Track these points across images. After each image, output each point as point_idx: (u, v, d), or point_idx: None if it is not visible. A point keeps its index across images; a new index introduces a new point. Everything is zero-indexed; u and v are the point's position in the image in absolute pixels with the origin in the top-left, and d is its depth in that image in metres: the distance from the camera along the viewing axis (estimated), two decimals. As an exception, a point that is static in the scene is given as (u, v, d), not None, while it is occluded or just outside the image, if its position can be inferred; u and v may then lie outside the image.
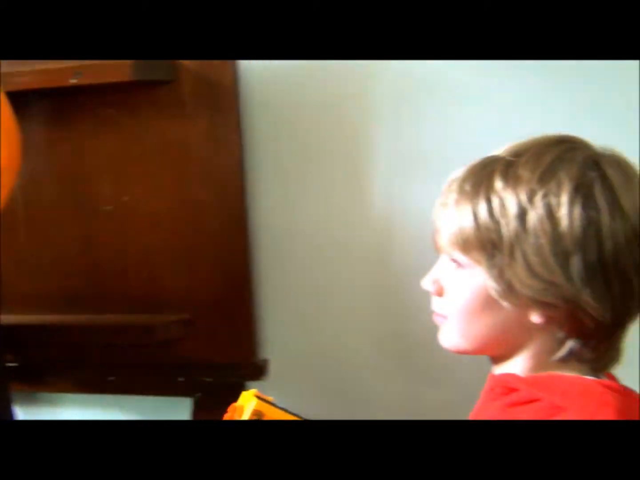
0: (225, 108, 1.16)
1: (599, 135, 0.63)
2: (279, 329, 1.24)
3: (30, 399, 1.36)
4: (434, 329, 0.70)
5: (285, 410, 0.72)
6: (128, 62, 1.14)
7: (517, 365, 0.65)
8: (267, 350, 1.24)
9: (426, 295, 0.70)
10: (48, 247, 1.29)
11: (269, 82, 1.17)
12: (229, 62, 1.15)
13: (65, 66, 1.17)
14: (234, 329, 1.21)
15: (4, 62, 1.23)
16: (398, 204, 1.15)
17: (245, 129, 1.18)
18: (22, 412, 1.31)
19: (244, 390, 1.21)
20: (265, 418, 0.70)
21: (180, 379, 1.24)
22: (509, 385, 0.65)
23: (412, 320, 1.15)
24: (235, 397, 1.22)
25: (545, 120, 1.03)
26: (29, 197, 1.28)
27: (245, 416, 0.69)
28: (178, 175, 1.20)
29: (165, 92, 1.19)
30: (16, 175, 0.95)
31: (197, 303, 1.22)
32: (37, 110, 1.26)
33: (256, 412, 0.70)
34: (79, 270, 1.27)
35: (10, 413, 1.06)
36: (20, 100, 1.23)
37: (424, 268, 0.71)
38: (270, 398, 0.72)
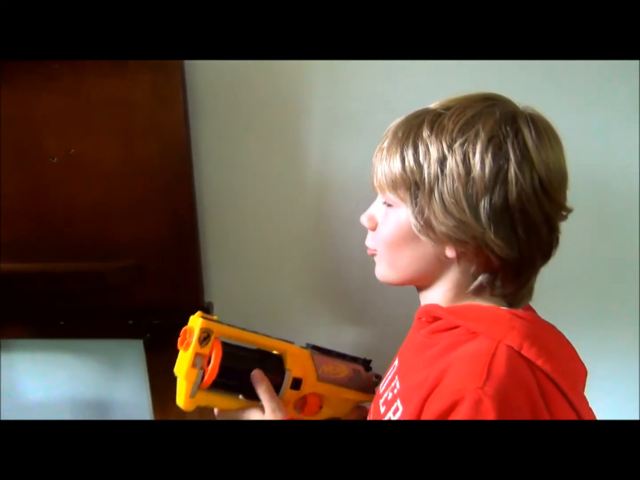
0: (169, 67, 1.21)
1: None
2: (222, 274, 1.34)
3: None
4: (361, 275, 0.82)
5: (231, 325, 0.82)
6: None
7: (439, 296, 0.75)
8: (210, 294, 1.35)
9: (356, 243, 0.81)
10: (-6, 197, 1.32)
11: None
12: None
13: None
14: (181, 275, 1.30)
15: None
16: (331, 157, 1.25)
17: (189, 89, 1.24)
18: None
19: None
20: (214, 335, 0.79)
21: (130, 322, 1.33)
22: (432, 314, 0.75)
23: (342, 265, 1.28)
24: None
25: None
26: (-26, 149, 1.31)
27: (195, 334, 0.77)
28: (124, 130, 1.25)
29: (110, 49, 1.23)
30: None
31: (146, 250, 1.29)
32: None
33: (204, 329, 0.78)
34: (27, 220, 1.32)
35: None
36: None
37: (353, 217, 0.81)
38: (215, 317, 0.81)
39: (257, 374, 0.81)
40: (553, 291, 1.00)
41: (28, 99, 1.27)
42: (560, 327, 0.75)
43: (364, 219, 0.79)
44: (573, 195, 0.72)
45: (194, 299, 1.31)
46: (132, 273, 1.29)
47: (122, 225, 1.29)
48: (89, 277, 1.27)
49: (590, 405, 0.71)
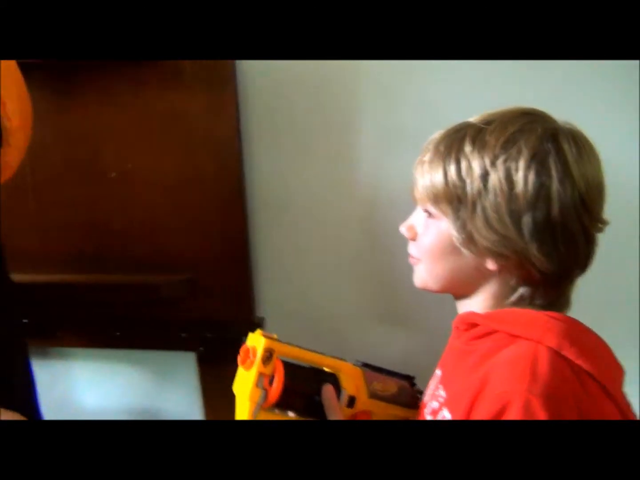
0: (223, 82, 1.23)
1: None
2: (274, 288, 1.34)
3: (44, 354, 1.46)
4: (410, 288, 0.81)
5: (289, 344, 0.82)
6: (131, 35, 1.21)
7: (477, 305, 0.76)
8: (263, 308, 1.35)
9: (405, 254, 0.81)
10: (56, 210, 1.37)
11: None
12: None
13: (71, 39, 1.24)
14: (233, 288, 1.31)
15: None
16: (381, 171, 1.24)
17: (242, 102, 1.25)
18: (36, 366, 1.42)
19: (242, 345, 1.32)
20: (276, 354, 0.79)
21: (184, 335, 1.35)
22: (469, 320, 0.76)
23: (393, 279, 1.26)
24: (233, 352, 1.34)
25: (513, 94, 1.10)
26: (38, 162, 1.36)
27: (259, 354, 0.78)
28: (179, 144, 1.28)
29: (167, 66, 1.25)
30: (28, 137, 1.00)
31: (199, 263, 1.31)
32: (47, 80, 1.32)
33: (267, 349, 0.78)
34: (86, 233, 1.36)
35: (27, 367, 1.14)
36: (30, 69, 1.31)
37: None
38: (274, 335, 0.81)
39: (329, 391, 0.80)
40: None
41: (88, 113, 1.32)
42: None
43: (403, 229, 0.80)
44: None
45: (246, 313, 1.32)
46: (186, 286, 1.31)
47: (176, 239, 1.32)
48: (145, 290, 1.29)
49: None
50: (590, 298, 1.18)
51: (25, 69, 1.24)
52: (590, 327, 0.72)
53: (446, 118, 0.77)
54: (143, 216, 1.32)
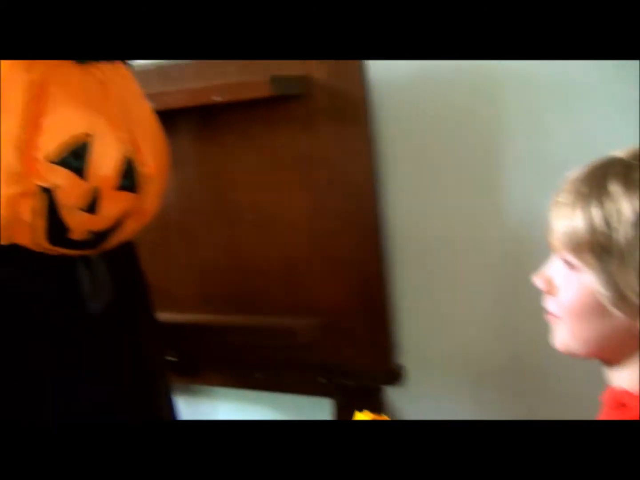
0: (355, 119, 1.19)
1: None
2: (414, 333, 1.26)
3: (189, 391, 1.49)
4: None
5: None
6: (266, 79, 1.20)
7: (630, 378, 0.64)
8: (403, 355, 1.27)
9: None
10: (198, 251, 1.40)
11: (399, 92, 1.17)
12: (359, 74, 1.17)
13: (209, 85, 1.26)
14: (370, 334, 1.25)
15: (156, 83, 1.35)
16: (528, 209, 1.12)
17: (376, 139, 1.19)
18: (183, 403, 1.45)
19: (380, 394, 1.25)
20: None
21: (322, 380, 1.30)
22: (619, 400, 0.64)
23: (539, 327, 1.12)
24: (372, 401, 1.27)
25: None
26: (181, 205, 1.40)
27: None
28: (313, 184, 1.25)
29: (298, 106, 1.23)
30: (165, 184, 1.02)
31: (335, 307, 1.27)
32: (187, 126, 1.37)
33: None
34: (226, 274, 1.37)
35: (171, 402, 1.16)
36: (172, 118, 1.35)
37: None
38: (385, 417, 0.74)
39: None
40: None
41: (227, 157, 1.33)
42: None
43: (538, 281, 0.68)
44: None
45: (384, 360, 1.25)
46: (322, 330, 1.27)
47: (312, 281, 1.29)
48: (280, 333, 1.27)
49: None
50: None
51: (169, 115, 1.29)
52: None
53: (602, 148, 0.65)
54: (280, 258, 1.31)
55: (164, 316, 1.35)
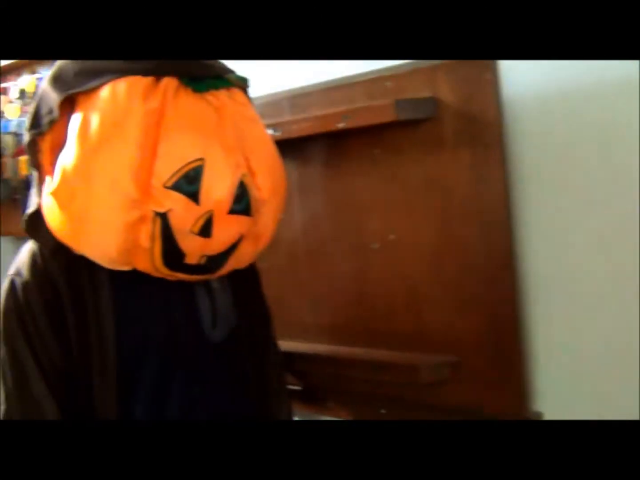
0: (488, 143, 1.10)
1: None
2: (555, 378, 1.13)
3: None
4: None
5: None
6: (390, 102, 1.16)
7: None
8: (541, 401, 1.14)
9: None
10: (324, 280, 1.37)
11: (537, 113, 1.07)
12: (492, 95, 1.08)
13: (334, 112, 1.24)
14: (503, 376, 1.13)
15: (286, 112, 1.36)
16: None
17: (511, 164, 1.10)
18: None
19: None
20: None
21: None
22: None
23: None
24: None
25: None
26: (308, 232, 1.39)
27: None
28: (441, 212, 1.18)
29: (426, 130, 1.17)
30: (281, 208, 1.01)
31: (463, 345, 1.17)
32: (316, 154, 1.36)
33: None
34: (350, 304, 1.33)
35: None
36: (300, 145, 1.35)
37: None
38: None
39: None
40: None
41: (354, 184, 1.30)
42: None
43: None
44: None
45: (519, 406, 1.13)
46: (449, 369, 1.18)
47: (439, 315, 1.20)
48: (404, 370, 1.20)
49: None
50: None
51: (298, 143, 1.29)
52: None
53: None
54: (405, 289, 1.25)
55: (289, 345, 1.35)
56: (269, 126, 1.30)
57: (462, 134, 1.13)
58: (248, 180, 0.90)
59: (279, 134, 1.30)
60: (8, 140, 2.04)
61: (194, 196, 0.84)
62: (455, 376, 1.18)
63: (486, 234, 1.13)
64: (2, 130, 2.07)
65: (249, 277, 1.12)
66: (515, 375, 1.13)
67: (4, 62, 2.02)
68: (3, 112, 2.09)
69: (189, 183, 0.84)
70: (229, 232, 0.90)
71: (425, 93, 1.16)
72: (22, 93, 2.05)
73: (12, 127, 2.05)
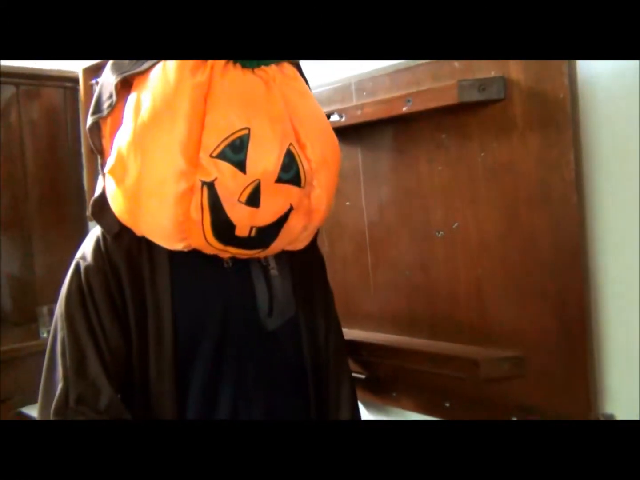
0: (559, 125, 1.02)
1: None
2: (628, 378, 1.04)
3: (382, 411, 1.43)
4: None
5: None
6: (453, 84, 1.10)
7: None
8: (612, 403, 1.05)
9: None
10: (388, 269, 1.34)
11: (613, 93, 0.98)
12: (565, 73, 1.00)
13: (397, 96, 1.20)
14: (569, 374, 1.06)
15: (353, 99, 1.33)
16: None
17: (583, 148, 1.01)
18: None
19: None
20: None
21: (513, 419, 1.15)
22: None
23: None
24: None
25: None
26: (373, 220, 1.36)
27: None
28: (507, 199, 1.11)
29: (494, 112, 1.11)
30: (334, 177, 0.97)
31: (528, 340, 1.11)
32: (379, 139, 1.32)
33: None
34: (414, 293, 1.29)
35: (355, 415, 1.12)
36: (365, 131, 1.32)
37: None
38: None
39: None
40: None
41: (419, 171, 1.26)
42: None
43: None
44: None
45: (586, 406, 1.05)
46: (512, 365, 1.12)
47: (501, 308, 1.14)
48: (464, 364, 1.15)
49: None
50: None
51: (364, 127, 1.26)
52: None
53: None
54: (468, 280, 1.19)
55: (351, 333, 1.33)
56: (334, 112, 1.28)
57: (532, 116, 1.06)
58: (297, 151, 0.88)
59: (343, 120, 1.28)
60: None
61: (240, 165, 0.84)
62: (518, 373, 1.11)
63: (555, 224, 1.05)
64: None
65: (312, 263, 1.10)
66: (584, 374, 1.05)
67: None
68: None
69: (234, 152, 0.84)
70: (278, 202, 0.89)
71: (495, 72, 1.10)
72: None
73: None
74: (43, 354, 1.97)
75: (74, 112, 2.37)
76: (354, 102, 1.31)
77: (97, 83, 2.19)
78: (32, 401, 2.05)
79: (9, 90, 2.23)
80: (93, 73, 2.21)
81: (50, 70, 2.30)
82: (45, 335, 2.07)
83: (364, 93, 1.31)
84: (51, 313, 2.17)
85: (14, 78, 2.22)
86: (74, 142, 2.36)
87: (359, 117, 1.26)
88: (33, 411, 2.02)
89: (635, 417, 1.02)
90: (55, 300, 2.19)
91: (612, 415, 1.05)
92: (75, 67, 2.26)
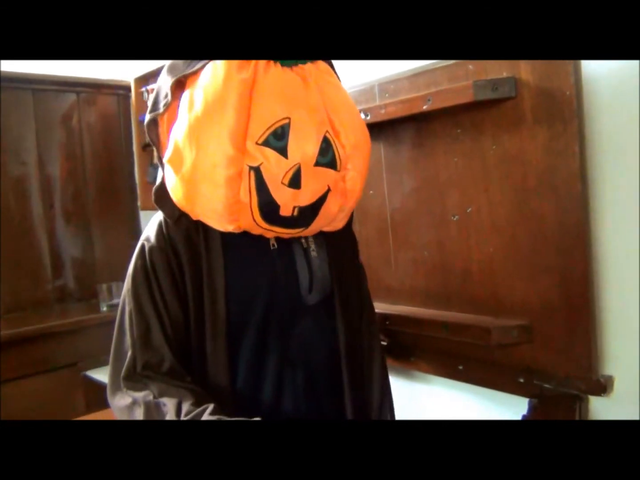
0: (565, 118, 1.00)
1: None
2: (626, 342, 1.03)
3: (406, 374, 1.42)
4: None
5: None
6: (469, 84, 1.09)
7: None
8: (611, 364, 1.04)
9: None
10: (408, 249, 1.33)
11: (615, 89, 0.96)
12: (571, 72, 0.98)
13: (418, 95, 1.19)
14: (572, 340, 1.05)
15: (377, 99, 1.32)
16: None
17: (587, 139, 1.00)
18: (398, 383, 1.39)
19: (582, 402, 1.05)
20: None
21: (520, 380, 1.14)
22: None
23: None
24: (570, 407, 1.08)
25: None
26: (395, 207, 1.35)
27: None
28: (517, 187, 1.10)
29: (505, 109, 1.09)
30: (367, 159, 0.95)
31: (535, 310, 1.10)
32: (400, 136, 1.31)
33: None
34: (431, 270, 1.28)
35: (387, 380, 1.12)
36: (389, 128, 1.31)
37: None
38: None
39: None
40: None
41: (436, 162, 1.24)
42: None
43: None
44: None
45: (587, 368, 1.04)
46: (520, 332, 1.11)
47: (512, 283, 1.13)
48: (476, 332, 1.14)
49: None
50: None
51: (388, 125, 1.25)
52: None
53: None
54: (481, 258, 1.18)
55: (375, 305, 1.32)
56: (360, 112, 1.27)
57: (540, 111, 1.04)
58: (332, 137, 0.88)
59: (368, 118, 1.27)
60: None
61: (282, 151, 0.83)
62: (526, 339, 1.11)
63: (561, 207, 1.04)
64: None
65: (346, 244, 1.09)
66: (585, 341, 1.04)
67: (152, 66, 2.12)
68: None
69: (277, 139, 0.83)
70: (317, 183, 0.88)
71: (507, 73, 1.08)
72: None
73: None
74: (103, 324, 2.00)
75: (126, 116, 2.37)
76: (377, 103, 1.29)
77: (146, 90, 2.23)
78: (94, 365, 2.09)
79: (70, 98, 2.24)
80: (143, 82, 2.21)
81: (106, 80, 2.31)
82: (105, 309, 2.10)
83: (386, 94, 1.30)
84: (109, 290, 2.20)
85: (75, 87, 2.23)
86: (127, 143, 2.37)
87: (382, 115, 1.25)
88: (96, 374, 2.05)
89: (632, 379, 1.01)
90: (112, 278, 2.21)
91: (611, 377, 1.04)
92: (127, 76, 2.27)
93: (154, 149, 0.94)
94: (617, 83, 0.96)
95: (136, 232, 2.40)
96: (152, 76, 2.17)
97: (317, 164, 0.86)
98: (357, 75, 1.37)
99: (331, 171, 0.88)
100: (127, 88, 2.28)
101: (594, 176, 1.01)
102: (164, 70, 0.91)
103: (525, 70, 1.06)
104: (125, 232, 2.37)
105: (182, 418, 0.81)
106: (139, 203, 2.34)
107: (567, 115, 1.01)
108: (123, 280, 0.96)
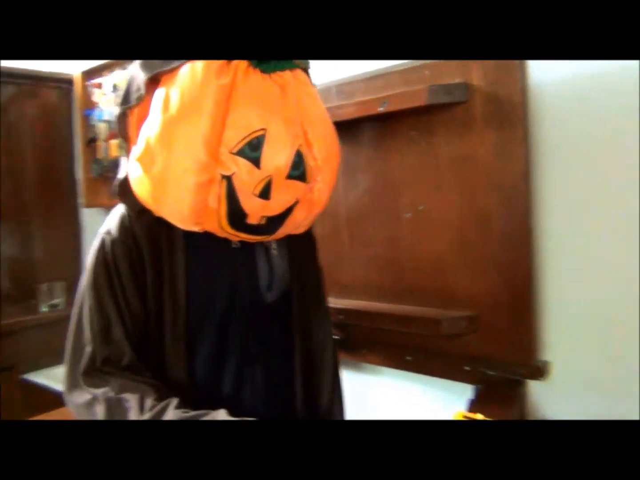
0: (512, 123, 1.06)
1: None
2: (563, 330, 1.09)
3: (358, 367, 1.45)
4: None
5: None
6: (423, 88, 1.13)
7: None
8: (549, 351, 1.11)
9: None
10: (363, 246, 1.36)
11: (558, 95, 1.03)
12: (519, 79, 1.04)
13: (374, 98, 1.22)
14: (515, 329, 1.11)
15: (335, 98, 1.33)
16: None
17: (532, 142, 1.06)
18: (350, 376, 1.41)
19: (522, 387, 1.11)
20: None
21: (466, 368, 1.19)
22: None
23: None
24: (512, 392, 1.13)
25: None
26: (350, 204, 1.37)
27: None
28: (467, 187, 1.15)
29: (457, 113, 1.14)
30: (333, 178, 0.95)
31: (481, 301, 1.15)
32: (357, 136, 1.33)
33: None
34: (384, 265, 1.31)
35: (337, 375, 1.11)
36: (346, 128, 1.33)
37: None
38: (479, 416, 0.64)
39: None
40: None
41: (391, 162, 1.28)
42: None
43: None
44: None
45: (528, 355, 1.10)
46: (467, 323, 1.16)
47: (460, 276, 1.18)
48: (427, 323, 1.18)
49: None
50: None
51: (346, 126, 1.26)
52: None
53: None
54: (431, 254, 1.22)
55: (333, 301, 1.33)
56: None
57: (490, 116, 1.10)
58: (305, 150, 0.88)
59: (326, 118, 1.28)
60: (102, 126, 2.08)
61: (256, 161, 0.82)
62: (473, 329, 1.16)
63: (507, 205, 1.10)
64: (97, 118, 2.10)
65: (306, 244, 1.09)
66: (527, 330, 1.10)
67: (99, 61, 2.05)
68: (98, 103, 2.12)
69: (252, 150, 0.82)
70: (286, 196, 0.88)
71: (459, 79, 1.13)
72: (115, 87, 2.07)
73: (106, 116, 2.08)
74: (42, 326, 1.89)
75: (67, 110, 2.28)
76: (336, 103, 1.31)
77: (92, 85, 2.15)
78: (33, 368, 1.98)
79: (10, 89, 2.13)
80: (89, 76, 2.13)
81: (48, 73, 2.20)
82: (45, 309, 1.99)
83: (343, 96, 1.32)
84: (50, 290, 2.09)
85: (15, 78, 2.12)
86: (67, 137, 2.27)
87: (340, 115, 1.26)
88: (35, 377, 1.94)
89: (566, 364, 1.08)
90: (52, 278, 2.10)
91: (548, 362, 1.11)
92: (69, 69, 2.18)
93: (101, 144, 0.91)
94: (560, 90, 1.03)
95: (78, 230, 2.30)
96: (99, 70, 2.10)
97: (288, 176, 0.85)
98: (317, 76, 1.38)
99: (301, 184, 0.88)
100: (69, 81, 2.19)
101: (537, 177, 1.07)
102: (137, 64, 0.88)
103: (476, 76, 1.11)
104: (66, 230, 2.27)
105: (146, 413, 0.79)
106: (80, 200, 2.25)
107: (514, 120, 1.07)
108: (64, 280, 0.92)
